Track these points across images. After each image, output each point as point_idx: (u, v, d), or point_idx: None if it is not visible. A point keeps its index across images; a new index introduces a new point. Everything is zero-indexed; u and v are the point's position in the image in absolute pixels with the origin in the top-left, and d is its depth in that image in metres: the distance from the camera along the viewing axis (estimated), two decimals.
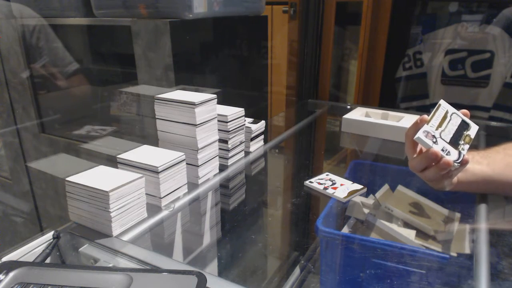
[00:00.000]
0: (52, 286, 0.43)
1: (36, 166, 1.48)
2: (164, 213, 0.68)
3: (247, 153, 0.92)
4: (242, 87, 1.30)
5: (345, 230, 0.66)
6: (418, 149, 0.63)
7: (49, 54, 1.34)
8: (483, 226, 0.62)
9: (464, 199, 0.71)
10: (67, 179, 0.60)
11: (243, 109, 0.86)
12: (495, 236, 0.61)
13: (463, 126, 0.62)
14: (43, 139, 1.40)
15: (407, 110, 1.41)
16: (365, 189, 0.75)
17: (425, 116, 0.59)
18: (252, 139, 0.93)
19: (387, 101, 1.48)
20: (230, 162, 0.86)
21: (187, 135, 0.74)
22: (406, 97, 1.48)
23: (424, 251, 0.57)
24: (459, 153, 0.58)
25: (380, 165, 0.90)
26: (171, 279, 0.45)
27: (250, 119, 0.95)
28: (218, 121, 0.80)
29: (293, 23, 1.46)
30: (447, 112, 0.62)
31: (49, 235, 0.58)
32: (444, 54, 1.37)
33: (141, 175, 0.62)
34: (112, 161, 0.69)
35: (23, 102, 1.39)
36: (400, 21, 1.41)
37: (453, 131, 0.60)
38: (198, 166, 0.76)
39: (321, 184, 0.79)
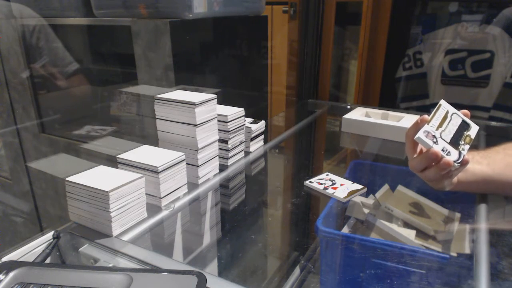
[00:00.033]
0: (52, 286, 0.43)
1: (36, 166, 1.48)
2: (164, 213, 0.68)
3: (247, 153, 0.92)
4: (242, 87, 1.30)
5: (345, 230, 0.66)
6: (418, 149, 0.63)
7: (49, 54, 1.34)
8: (483, 226, 0.62)
9: (464, 199, 0.71)
10: (67, 179, 0.60)
11: (243, 109, 0.86)
12: (495, 236, 0.61)
13: (464, 126, 0.62)
14: (43, 139, 1.40)
15: (407, 110, 1.41)
16: (365, 189, 0.75)
17: (426, 116, 0.59)
18: (252, 139, 0.93)
19: (387, 101, 1.48)
20: (230, 162, 0.86)
21: (187, 135, 0.74)
22: (406, 97, 1.48)
23: (424, 251, 0.57)
24: (459, 153, 0.58)
25: (380, 165, 0.90)
26: (171, 279, 0.45)
27: (250, 119, 0.95)
28: (218, 121, 0.80)
29: (293, 23, 1.46)
30: (447, 112, 0.62)
31: (49, 235, 0.58)
32: (444, 54, 1.37)
33: (141, 175, 0.62)
34: (112, 161, 0.69)
35: (23, 102, 1.39)
36: (400, 21, 1.41)
37: (453, 131, 0.60)
38: (198, 166, 0.76)
39: (321, 184, 0.79)
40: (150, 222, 0.65)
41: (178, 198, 0.72)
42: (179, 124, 0.75)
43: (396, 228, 0.63)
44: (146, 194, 0.65)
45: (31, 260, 0.54)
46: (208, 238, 0.68)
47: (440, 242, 0.63)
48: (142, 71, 1.05)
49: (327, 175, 0.83)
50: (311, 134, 1.24)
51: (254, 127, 0.92)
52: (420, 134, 0.58)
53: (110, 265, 0.54)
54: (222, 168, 0.84)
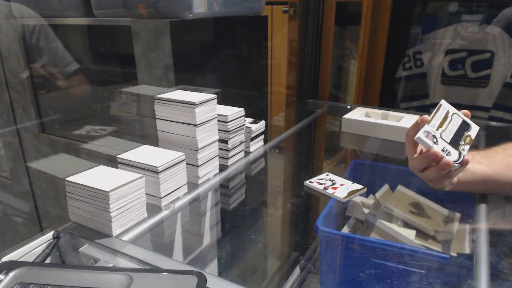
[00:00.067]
0: (52, 286, 0.43)
1: (36, 166, 1.48)
2: (164, 213, 0.68)
3: (247, 153, 0.92)
4: (242, 87, 1.30)
5: (345, 230, 0.66)
6: (418, 149, 0.63)
7: (49, 54, 1.34)
8: (483, 226, 0.62)
9: (464, 199, 0.71)
10: (67, 179, 0.60)
11: (243, 109, 0.86)
12: (495, 236, 0.61)
13: (464, 126, 0.62)
14: (43, 139, 1.40)
15: (407, 110, 1.41)
16: (365, 189, 0.75)
17: (426, 116, 0.59)
18: (252, 139, 0.93)
19: (387, 101, 1.48)
20: (230, 162, 0.86)
21: (187, 135, 0.74)
22: (406, 97, 1.48)
23: (424, 251, 0.57)
24: (459, 153, 0.58)
25: (380, 165, 0.90)
26: (171, 279, 0.45)
27: (250, 119, 0.95)
28: (218, 121, 0.80)
29: (293, 23, 1.46)
30: (448, 112, 0.62)
31: (49, 235, 0.58)
32: (444, 54, 1.37)
33: (141, 175, 0.62)
34: (112, 161, 0.69)
35: (23, 102, 1.39)
36: (400, 21, 1.41)
37: (453, 132, 0.60)
38: (198, 166, 0.76)
39: (321, 184, 0.79)
40: (150, 222, 0.65)
41: (178, 198, 0.72)
42: (179, 124, 0.75)
43: (396, 228, 0.63)
44: (146, 194, 0.65)
45: (31, 260, 0.54)
46: (208, 238, 0.68)
47: (440, 242, 0.63)
48: (142, 71, 1.05)
49: (327, 175, 0.83)
50: (311, 134, 1.24)
51: (254, 127, 0.92)
52: (420, 134, 0.58)
53: (110, 265, 0.54)
54: (222, 168, 0.84)
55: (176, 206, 0.70)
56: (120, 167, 0.69)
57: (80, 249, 0.57)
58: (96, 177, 0.61)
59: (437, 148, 0.57)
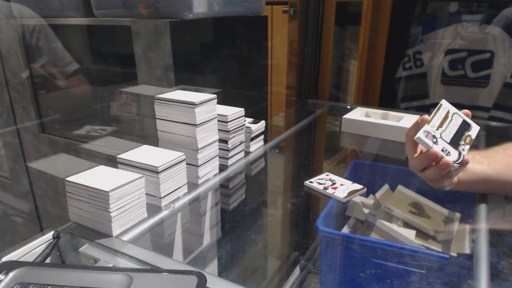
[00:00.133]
0: (52, 286, 0.43)
1: (36, 166, 1.48)
2: (164, 213, 0.68)
3: (247, 153, 0.92)
4: (242, 87, 1.30)
5: (345, 230, 0.66)
6: (418, 149, 0.63)
7: (49, 54, 1.34)
8: (483, 226, 0.62)
9: (464, 199, 0.71)
10: (67, 179, 0.60)
11: (243, 109, 0.86)
12: (495, 236, 0.61)
13: (464, 126, 0.62)
14: (43, 139, 1.40)
15: (407, 110, 1.41)
16: (365, 189, 0.75)
17: (426, 116, 0.59)
18: (252, 139, 0.93)
19: (387, 101, 1.48)
20: (230, 162, 0.86)
21: (187, 135, 0.74)
22: (406, 97, 1.48)
23: (424, 251, 0.57)
24: (459, 153, 0.58)
25: (380, 165, 0.90)
26: (171, 279, 0.45)
27: (250, 119, 0.95)
28: (218, 121, 0.80)
29: (293, 23, 1.46)
30: (448, 112, 0.62)
31: (49, 235, 0.58)
32: (444, 54, 1.37)
33: (141, 175, 0.62)
34: (112, 161, 0.69)
35: (23, 102, 1.39)
36: (400, 21, 1.41)
37: (454, 132, 0.60)
38: (198, 166, 0.76)
39: (321, 184, 0.79)
40: (150, 222, 0.65)
41: (178, 198, 0.72)
42: (179, 124, 0.75)
43: (396, 228, 0.63)
44: (146, 194, 0.65)
45: (31, 260, 0.54)
46: (208, 238, 0.68)
47: (440, 242, 0.63)
48: (142, 71, 1.05)
49: (327, 175, 0.83)
50: (311, 134, 1.24)
51: (254, 127, 0.92)
52: (420, 134, 0.58)
53: (110, 265, 0.54)
54: (222, 168, 0.84)
55: (176, 206, 0.70)
56: (120, 167, 0.69)
57: (80, 249, 0.57)
58: (96, 177, 0.61)
59: (436, 148, 0.57)
